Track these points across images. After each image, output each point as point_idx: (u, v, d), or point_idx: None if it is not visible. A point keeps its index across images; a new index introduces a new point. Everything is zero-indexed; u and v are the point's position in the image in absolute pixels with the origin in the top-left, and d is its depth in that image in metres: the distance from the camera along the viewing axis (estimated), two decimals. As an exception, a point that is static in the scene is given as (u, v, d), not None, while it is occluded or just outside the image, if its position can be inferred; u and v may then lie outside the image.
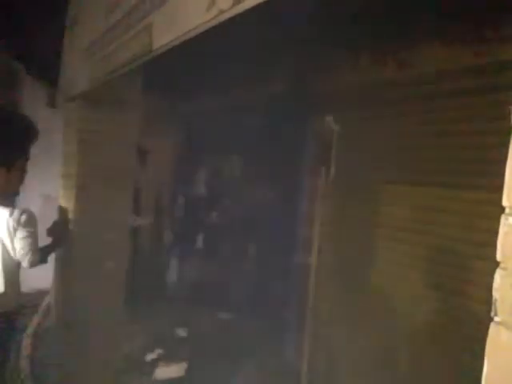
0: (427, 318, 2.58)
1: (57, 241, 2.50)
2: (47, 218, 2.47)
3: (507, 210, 0.58)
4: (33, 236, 2.01)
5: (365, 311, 2.97)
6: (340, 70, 2.95)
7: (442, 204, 2.53)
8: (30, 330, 2.68)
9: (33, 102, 4.16)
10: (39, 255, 2.21)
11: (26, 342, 2.65)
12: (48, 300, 2.84)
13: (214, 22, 1.07)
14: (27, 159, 1.53)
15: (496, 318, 0.59)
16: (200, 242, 5.35)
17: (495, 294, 0.59)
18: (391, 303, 2.79)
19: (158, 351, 3.67)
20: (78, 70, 2.42)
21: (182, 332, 4.08)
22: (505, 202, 0.58)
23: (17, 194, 1.60)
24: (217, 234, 5.16)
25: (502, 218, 0.58)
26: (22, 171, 1.49)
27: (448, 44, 2.33)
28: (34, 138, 1.51)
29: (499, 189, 0.61)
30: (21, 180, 1.50)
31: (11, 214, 1.81)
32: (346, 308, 3.14)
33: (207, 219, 5.30)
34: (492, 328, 0.59)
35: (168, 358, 3.56)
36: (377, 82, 2.77)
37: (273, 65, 3.54)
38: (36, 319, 2.75)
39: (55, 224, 2.52)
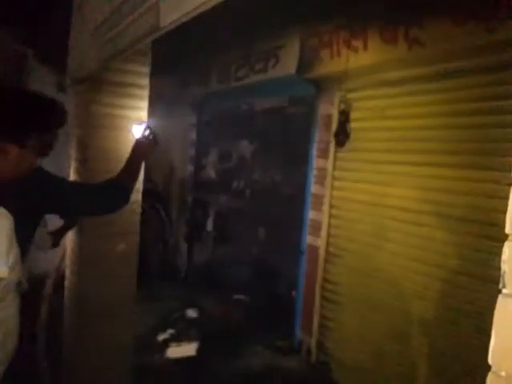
0: (437, 299, 2.59)
1: (69, 224, 2.54)
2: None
3: (517, 183, 0.57)
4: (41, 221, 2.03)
5: (373, 291, 2.99)
6: (349, 48, 2.90)
7: (453, 185, 2.51)
8: (46, 292, 2.73)
9: (42, 86, 4.16)
10: (50, 239, 2.25)
11: (43, 308, 2.72)
12: (57, 266, 2.87)
13: (222, -2, 1.06)
14: (45, 142, 1.38)
15: (504, 290, 0.59)
16: (210, 225, 5.39)
17: (504, 266, 0.58)
18: (400, 284, 2.80)
19: (170, 331, 3.75)
20: (86, 51, 2.42)
21: (192, 313, 4.15)
22: (515, 175, 0.58)
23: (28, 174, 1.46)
24: (227, 216, 5.18)
25: (512, 191, 0.57)
26: (36, 153, 1.34)
27: (460, 21, 2.27)
28: (55, 118, 1.36)
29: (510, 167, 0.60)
30: (32, 163, 1.34)
31: None
32: (355, 288, 3.15)
33: (217, 202, 5.32)
34: (500, 300, 0.59)
35: (179, 338, 3.64)
36: (387, 61, 2.73)
37: (280, 45, 3.50)
38: (49, 285, 2.79)
39: None
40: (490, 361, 0.60)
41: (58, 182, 1.51)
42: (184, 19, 1.26)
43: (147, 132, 1.99)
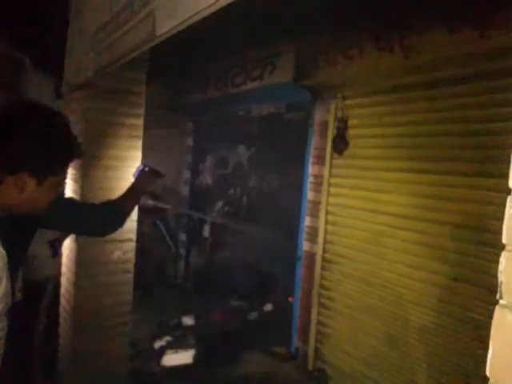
0: (434, 305, 2.58)
1: (66, 233, 2.54)
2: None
3: (514, 192, 0.57)
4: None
5: (370, 298, 2.98)
6: (345, 56, 2.92)
7: (449, 191, 2.51)
8: (44, 304, 2.71)
9: (39, 93, 4.17)
10: (49, 249, 2.25)
11: (42, 317, 2.69)
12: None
13: (217, 7, 1.06)
14: (63, 178, 1.29)
15: (501, 301, 0.59)
16: (207, 231, 5.38)
17: (501, 277, 0.58)
18: (397, 290, 2.79)
19: (167, 338, 3.72)
20: (83, 59, 2.42)
21: (189, 320, 4.12)
22: (511, 184, 0.58)
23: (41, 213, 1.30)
24: (224, 222, 5.17)
25: (508, 200, 0.57)
26: (53, 189, 1.24)
27: (456, 29, 2.29)
28: (76, 156, 1.26)
29: (506, 174, 0.60)
30: (49, 198, 1.24)
31: None
32: (351, 295, 3.14)
33: (214, 208, 5.32)
34: (497, 311, 0.59)
35: (176, 346, 3.61)
36: (383, 69, 2.74)
37: (276, 52, 3.51)
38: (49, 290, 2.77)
39: None
40: (487, 372, 0.60)
41: (57, 199, 1.48)
42: (180, 27, 1.27)
43: (147, 168, 2.03)
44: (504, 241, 0.57)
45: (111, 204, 1.87)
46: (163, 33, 1.36)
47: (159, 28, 1.36)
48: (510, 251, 0.57)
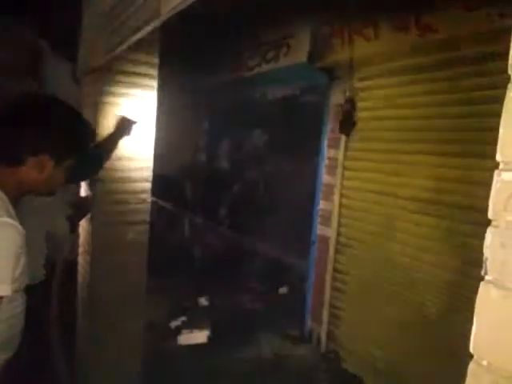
0: (449, 289, 2.55)
1: (82, 209, 2.60)
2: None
3: (501, 166, 0.55)
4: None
5: (383, 282, 2.96)
6: (360, 36, 2.85)
7: (464, 174, 2.46)
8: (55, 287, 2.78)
9: (57, 77, 4.22)
10: (68, 225, 2.32)
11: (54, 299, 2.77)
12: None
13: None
14: (75, 163, 1.35)
15: (486, 277, 0.58)
16: (223, 214, 5.41)
17: (486, 253, 0.57)
18: (410, 274, 2.77)
19: (182, 319, 3.80)
20: (96, 41, 2.43)
21: (204, 301, 4.20)
22: (498, 157, 0.56)
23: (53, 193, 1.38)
24: (239, 206, 5.19)
25: (495, 174, 0.56)
26: (67, 171, 1.30)
27: (473, 7, 2.20)
28: (92, 140, 1.40)
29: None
30: (63, 179, 1.31)
31: None
32: (365, 279, 3.13)
33: (230, 192, 5.34)
34: (482, 286, 0.58)
35: (191, 326, 3.68)
36: (399, 49, 2.67)
37: (291, 33, 3.46)
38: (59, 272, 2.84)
39: (83, 198, 2.63)
40: (471, 349, 0.59)
41: None
42: (184, 5, 1.26)
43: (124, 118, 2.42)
44: (490, 216, 0.56)
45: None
46: (168, 11, 1.35)
47: (164, 6, 1.36)
48: (495, 226, 0.56)
